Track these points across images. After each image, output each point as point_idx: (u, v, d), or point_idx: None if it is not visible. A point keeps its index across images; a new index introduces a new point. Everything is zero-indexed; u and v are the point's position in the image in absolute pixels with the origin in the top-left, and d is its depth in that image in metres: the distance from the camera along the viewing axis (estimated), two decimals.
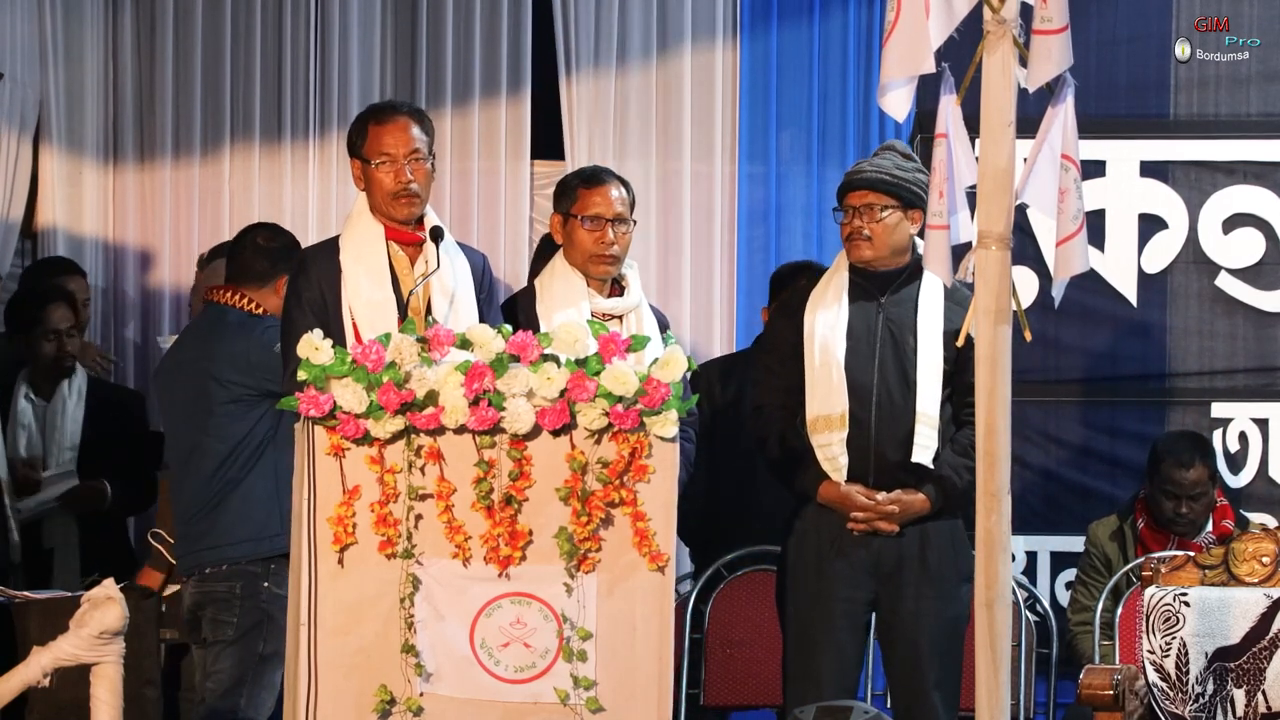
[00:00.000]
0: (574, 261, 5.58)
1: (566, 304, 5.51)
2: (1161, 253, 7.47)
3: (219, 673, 5.93)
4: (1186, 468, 6.77)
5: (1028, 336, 4.20)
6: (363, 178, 5.35)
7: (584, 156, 7.72)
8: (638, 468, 4.72)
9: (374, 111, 5.44)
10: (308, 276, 5.30)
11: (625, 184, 5.68)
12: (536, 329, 4.98)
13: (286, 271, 5.87)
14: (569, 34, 7.81)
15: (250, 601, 5.89)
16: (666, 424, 4.70)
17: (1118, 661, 6.30)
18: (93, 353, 7.38)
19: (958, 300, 5.45)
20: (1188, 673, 5.32)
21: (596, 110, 7.79)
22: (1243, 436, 7.42)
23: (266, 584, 5.86)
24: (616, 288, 5.64)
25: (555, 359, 4.74)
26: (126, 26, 7.98)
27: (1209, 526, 6.82)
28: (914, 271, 5.57)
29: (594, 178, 5.66)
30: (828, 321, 5.58)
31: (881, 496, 5.51)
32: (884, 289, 5.61)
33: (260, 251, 6.04)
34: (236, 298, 6.01)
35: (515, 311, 5.55)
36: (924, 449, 5.49)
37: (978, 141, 4.08)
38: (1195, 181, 7.47)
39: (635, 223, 5.66)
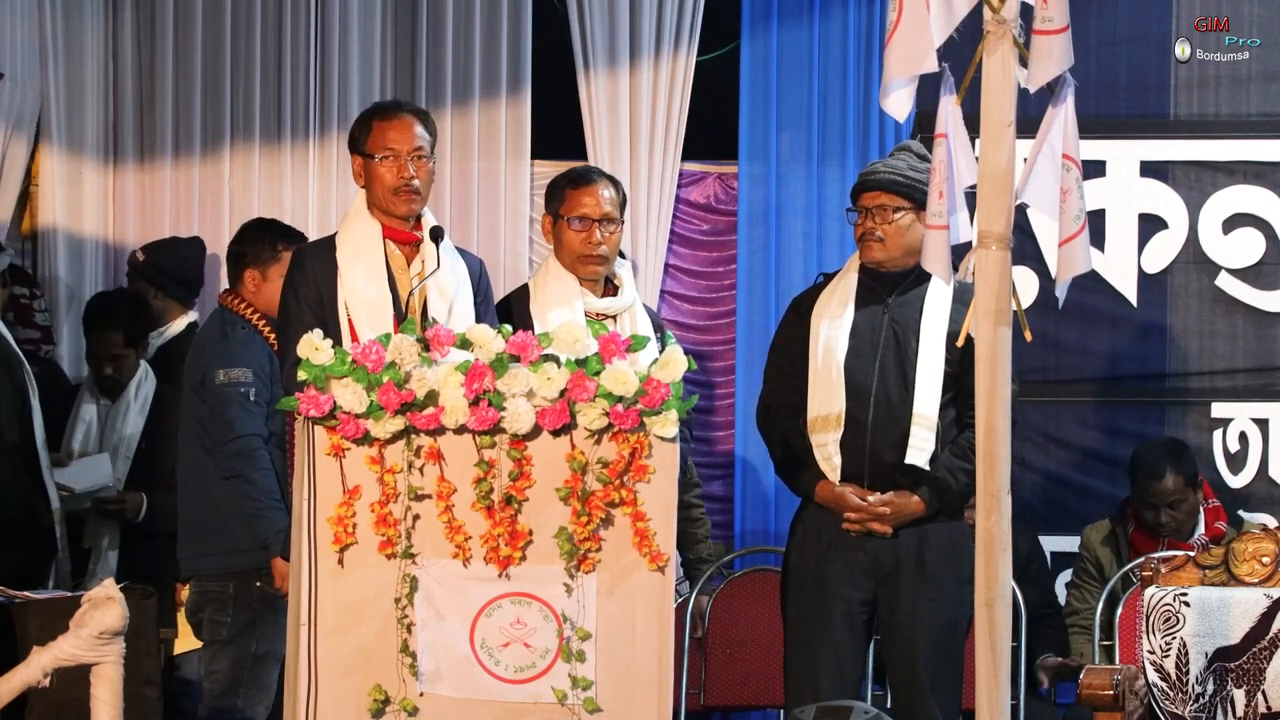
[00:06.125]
0: (563, 262, 5.58)
1: (560, 303, 5.51)
2: (1161, 253, 7.47)
3: (216, 673, 5.97)
4: (1159, 478, 6.74)
5: (1028, 336, 4.19)
6: (363, 173, 5.36)
7: (606, 153, 7.72)
8: (638, 468, 4.72)
9: (378, 109, 5.49)
10: (305, 272, 5.31)
11: (615, 183, 5.67)
12: (530, 329, 4.97)
13: (251, 264, 6.17)
14: (585, 32, 7.80)
15: (243, 601, 5.92)
16: (666, 424, 4.70)
17: (1118, 661, 6.29)
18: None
19: (965, 301, 5.43)
20: (1188, 673, 5.31)
21: (614, 108, 7.78)
22: (1243, 436, 7.42)
23: (259, 584, 5.88)
24: (610, 287, 5.64)
25: (555, 359, 4.73)
26: (126, 26, 7.97)
27: (1201, 529, 6.80)
28: (923, 273, 5.54)
29: (582, 178, 5.66)
30: (833, 322, 5.58)
31: (874, 498, 5.51)
32: (892, 290, 5.60)
33: (229, 257, 6.30)
34: (233, 300, 6.19)
35: (509, 310, 5.55)
36: (919, 451, 5.48)
37: (978, 141, 4.08)
38: (1195, 181, 7.48)
39: (623, 223, 5.66)
